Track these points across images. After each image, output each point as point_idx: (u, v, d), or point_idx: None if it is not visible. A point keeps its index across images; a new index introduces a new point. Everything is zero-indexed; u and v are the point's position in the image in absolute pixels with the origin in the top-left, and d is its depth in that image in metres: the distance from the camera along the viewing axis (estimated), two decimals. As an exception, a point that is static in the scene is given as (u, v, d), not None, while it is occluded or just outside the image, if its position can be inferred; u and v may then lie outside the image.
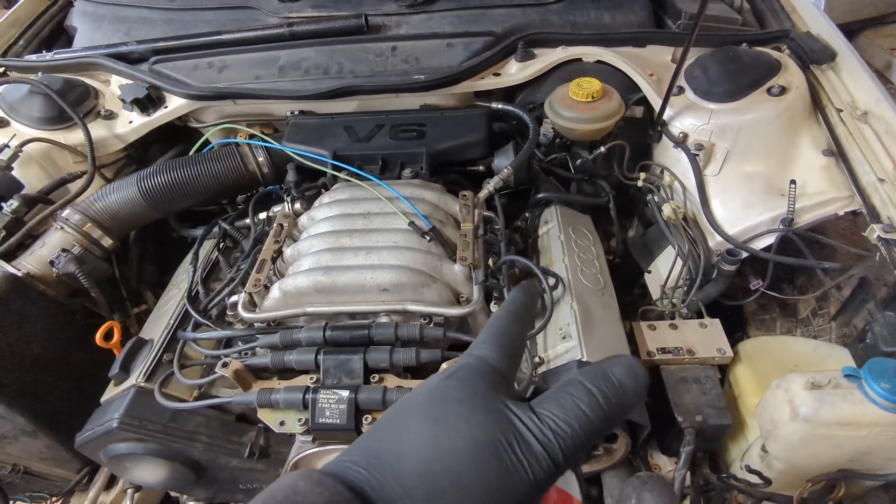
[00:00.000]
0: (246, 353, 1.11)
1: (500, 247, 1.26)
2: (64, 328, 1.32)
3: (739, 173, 1.42)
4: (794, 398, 0.98)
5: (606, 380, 0.43)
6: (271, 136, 1.50)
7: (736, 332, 1.53)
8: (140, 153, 1.70)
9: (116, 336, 1.27)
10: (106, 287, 1.42)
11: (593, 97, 1.41)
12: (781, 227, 1.32)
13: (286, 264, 1.23)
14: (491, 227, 1.32)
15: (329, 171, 1.38)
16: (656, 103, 1.50)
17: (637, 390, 0.43)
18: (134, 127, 1.59)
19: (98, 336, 1.24)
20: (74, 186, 1.47)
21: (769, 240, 1.35)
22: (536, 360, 1.12)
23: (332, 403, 0.93)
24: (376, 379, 0.99)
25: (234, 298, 1.18)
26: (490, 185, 1.35)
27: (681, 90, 1.51)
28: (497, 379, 0.44)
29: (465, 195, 1.33)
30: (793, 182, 1.33)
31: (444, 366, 0.62)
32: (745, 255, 1.33)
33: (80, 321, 1.38)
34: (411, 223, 1.21)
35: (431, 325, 1.09)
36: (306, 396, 0.94)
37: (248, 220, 1.42)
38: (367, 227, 1.24)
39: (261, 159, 1.45)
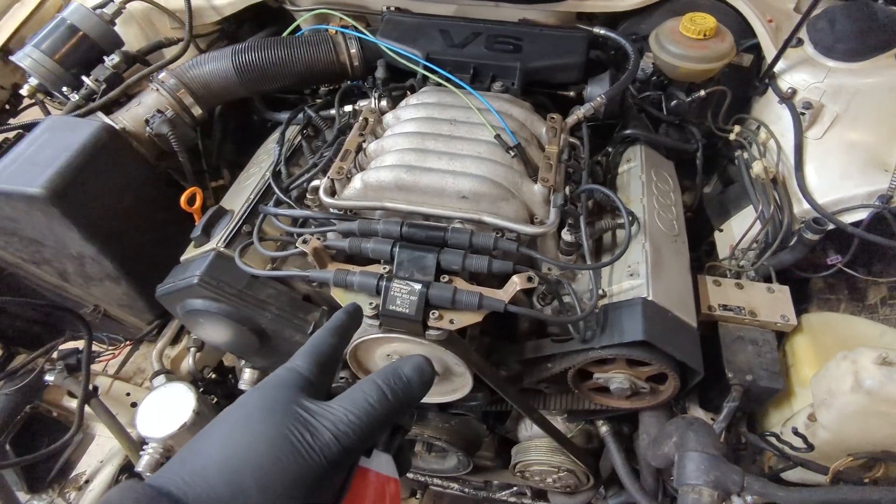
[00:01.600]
0: (321, 236, 1.15)
1: (582, 175, 1.24)
2: (151, 186, 1.38)
3: (843, 140, 1.33)
4: (860, 370, 0.96)
5: (396, 377, 0.52)
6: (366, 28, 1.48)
7: (797, 305, 1.50)
8: (232, 29, 1.70)
9: (198, 201, 1.33)
10: (188, 156, 1.47)
11: (705, 35, 1.33)
12: (878, 203, 1.26)
13: (368, 158, 1.24)
14: (575, 154, 1.29)
15: (420, 71, 1.36)
16: (769, 52, 1.41)
17: (423, 384, 0.53)
18: (230, 0, 1.59)
19: (183, 199, 1.29)
20: (169, 52, 1.50)
21: (859, 215, 1.29)
22: (600, 292, 1.13)
23: (405, 294, 0.97)
24: (446, 280, 1.02)
25: (315, 183, 1.21)
26: (580, 112, 1.31)
27: (799, 42, 1.40)
28: (302, 385, 0.50)
29: (553, 118, 1.30)
30: (901, 158, 1.26)
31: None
32: (831, 226, 1.28)
33: (164, 185, 1.44)
34: (497, 136, 1.19)
35: (500, 236, 1.10)
36: (380, 283, 0.98)
37: (332, 111, 1.43)
38: (452, 134, 1.23)
39: (353, 51, 1.43)
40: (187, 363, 1.50)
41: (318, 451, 0.45)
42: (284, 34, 1.54)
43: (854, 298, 1.55)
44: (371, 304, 0.99)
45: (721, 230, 1.55)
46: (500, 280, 1.07)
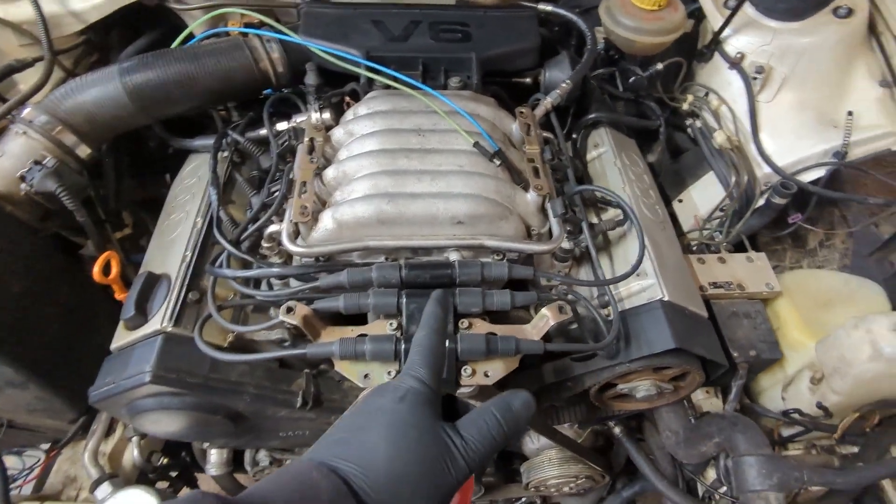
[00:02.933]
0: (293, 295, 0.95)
1: (568, 173, 1.14)
2: (43, 259, 1.08)
3: (793, 101, 1.35)
4: (878, 339, 0.98)
5: (509, 412, 0.63)
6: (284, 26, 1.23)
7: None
8: (101, 39, 1.36)
9: (115, 269, 1.06)
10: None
11: (660, 6, 1.26)
12: (833, 160, 1.30)
13: (327, 188, 1.05)
14: (552, 149, 1.19)
15: (363, 73, 1.17)
16: (713, 17, 1.39)
17: (528, 417, 0.65)
18: (95, 3, 1.25)
19: (96, 269, 1.02)
20: (25, 78, 1.16)
21: (817, 173, 1.33)
22: (607, 298, 1.04)
23: (430, 355, 0.82)
24: (465, 325, 0.88)
25: (273, 228, 1.00)
26: (548, 101, 1.21)
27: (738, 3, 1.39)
28: (434, 400, 0.62)
29: (522, 112, 1.18)
30: (849, 113, 1.30)
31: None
32: (796, 188, 1.30)
33: (56, 251, 1.14)
34: (476, 143, 1.05)
35: (505, 261, 0.98)
36: (398, 347, 0.82)
37: (263, 131, 1.20)
38: (424, 147, 1.07)
39: (275, 55, 1.19)
40: (131, 456, 1.24)
41: (455, 473, 0.57)
42: (176, 43, 1.25)
43: (797, 246, 1.64)
44: (390, 372, 0.84)
45: (681, 200, 1.54)
46: (527, 312, 0.96)
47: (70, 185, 1.07)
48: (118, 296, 1.08)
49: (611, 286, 1.03)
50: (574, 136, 1.35)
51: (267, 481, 0.54)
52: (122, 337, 0.98)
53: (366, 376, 0.84)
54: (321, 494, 0.51)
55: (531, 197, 1.04)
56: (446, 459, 0.57)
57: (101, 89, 1.10)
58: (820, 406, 1.07)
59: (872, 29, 1.38)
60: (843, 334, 1.05)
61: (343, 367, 0.84)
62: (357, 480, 0.54)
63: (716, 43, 1.39)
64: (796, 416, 1.11)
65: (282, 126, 1.19)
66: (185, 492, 1.43)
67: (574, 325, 1.04)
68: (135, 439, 1.23)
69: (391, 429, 0.58)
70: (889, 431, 1.17)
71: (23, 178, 1.02)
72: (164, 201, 1.27)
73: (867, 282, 1.34)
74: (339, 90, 1.22)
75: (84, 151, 1.13)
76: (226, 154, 1.23)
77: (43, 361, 1.04)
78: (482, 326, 0.89)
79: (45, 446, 1.27)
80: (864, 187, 1.46)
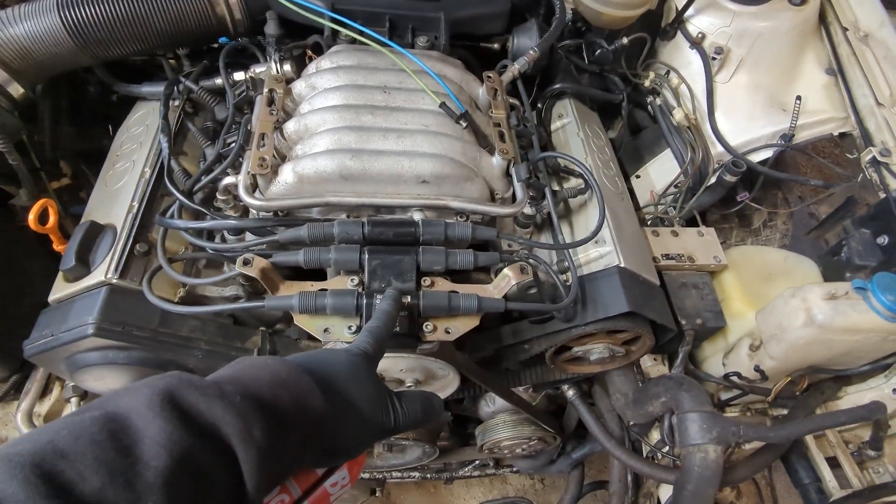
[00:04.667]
0: (249, 248, 0.92)
1: (533, 140, 1.14)
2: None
3: (748, 83, 1.40)
4: (812, 307, 1.04)
5: (430, 402, 0.72)
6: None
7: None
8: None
9: (53, 218, 0.99)
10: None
11: (627, -21, 1.27)
12: (781, 142, 1.36)
13: (287, 142, 1.01)
14: (518, 115, 1.18)
15: (328, 25, 1.13)
16: (676, -5, 1.41)
17: (440, 413, 0.74)
18: (30, -72, 1.15)
19: (32, 216, 0.95)
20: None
21: (765, 154, 1.38)
22: (566, 264, 1.06)
23: (392, 310, 0.81)
24: (428, 283, 0.88)
25: (229, 180, 0.95)
26: (515, 68, 1.20)
27: (701, -16, 1.42)
28: (375, 365, 0.70)
29: (490, 77, 1.17)
30: (798, 98, 1.36)
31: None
32: (746, 166, 1.35)
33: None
34: (443, 104, 1.04)
35: (468, 222, 0.98)
36: (360, 302, 0.81)
37: (218, 80, 1.14)
38: (389, 105, 1.04)
39: (233, 1, 1.13)
40: (68, 418, 1.17)
41: (389, 425, 0.66)
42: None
43: (743, 225, 1.72)
44: (350, 327, 0.82)
45: (638, 176, 1.58)
46: (488, 272, 0.96)
47: (1, 124, 0.98)
48: (56, 247, 1.02)
49: (570, 252, 1.04)
50: (539, 105, 1.35)
51: (226, 367, 0.57)
52: (61, 289, 0.92)
53: (326, 330, 0.83)
54: (281, 372, 0.55)
55: (496, 161, 1.04)
56: (387, 406, 0.66)
57: (37, 22, 1.01)
58: (757, 369, 1.13)
59: (822, 19, 1.45)
60: (781, 303, 1.11)
61: (302, 321, 0.82)
62: (317, 367, 0.60)
63: (679, 21, 1.42)
64: (735, 378, 1.17)
65: (238, 76, 1.14)
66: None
67: (533, 290, 1.06)
68: (74, 400, 1.16)
69: (349, 364, 0.65)
70: (815, 395, 1.26)
71: (-53, 115, 0.93)
72: (105, 153, 1.19)
73: (804, 258, 1.41)
74: (301, 42, 1.17)
75: (17, 90, 1.04)
76: (177, 103, 1.16)
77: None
78: (444, 285, 0.88)
79: (-28, 407, 1.19)
80: (802, 170, 1.54)
